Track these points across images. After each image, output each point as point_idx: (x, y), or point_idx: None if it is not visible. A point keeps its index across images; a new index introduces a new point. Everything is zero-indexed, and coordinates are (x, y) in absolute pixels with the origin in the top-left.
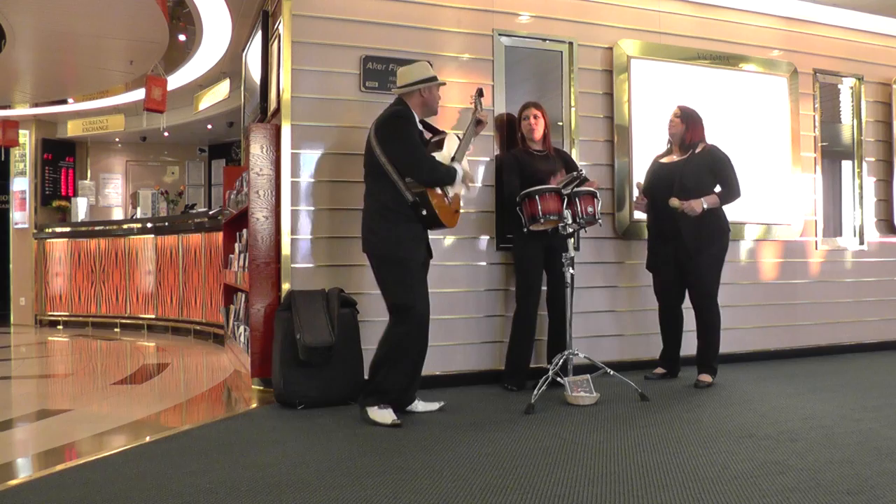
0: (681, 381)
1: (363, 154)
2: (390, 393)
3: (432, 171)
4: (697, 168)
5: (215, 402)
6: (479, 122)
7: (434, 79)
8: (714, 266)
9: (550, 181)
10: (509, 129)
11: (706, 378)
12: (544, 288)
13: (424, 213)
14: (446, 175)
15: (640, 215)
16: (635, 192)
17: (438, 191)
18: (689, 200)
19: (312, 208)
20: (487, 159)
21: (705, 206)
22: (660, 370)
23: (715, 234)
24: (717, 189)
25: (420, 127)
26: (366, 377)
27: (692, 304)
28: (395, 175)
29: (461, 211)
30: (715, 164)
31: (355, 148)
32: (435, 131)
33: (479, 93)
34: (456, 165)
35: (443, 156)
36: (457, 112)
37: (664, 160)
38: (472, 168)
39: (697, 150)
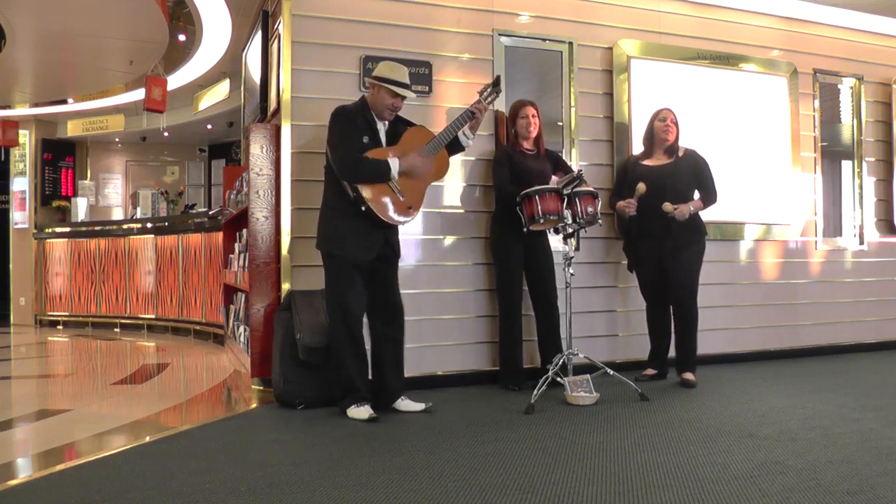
0: (673, 381)
1: None
2: (360, 390)
3: (352, 167)
4: (685, 172)
5: (215, 402)
6: (472, 116)
7: (385, 80)
8: (697, 264)
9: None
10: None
11: (691, 376)
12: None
13: (363, 208)
14: (371, 172)
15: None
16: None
17: (382, 185)
18: (680, 206)
19: (313, 208)
20: (485, 160)
21: (692, 211)
22: (650, 371)
23: (698, 234)
24: (696, 193)
25: (380, 124)
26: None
27: (673, 303)
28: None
29: (413, 207)
30: (699, 169)
31: None
32: (408, 125)
33: (496, 82)
34: (391, 162)
35: (376, 150)
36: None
37: (648, 163)
38: (470, 168)
39: (681, 154)
